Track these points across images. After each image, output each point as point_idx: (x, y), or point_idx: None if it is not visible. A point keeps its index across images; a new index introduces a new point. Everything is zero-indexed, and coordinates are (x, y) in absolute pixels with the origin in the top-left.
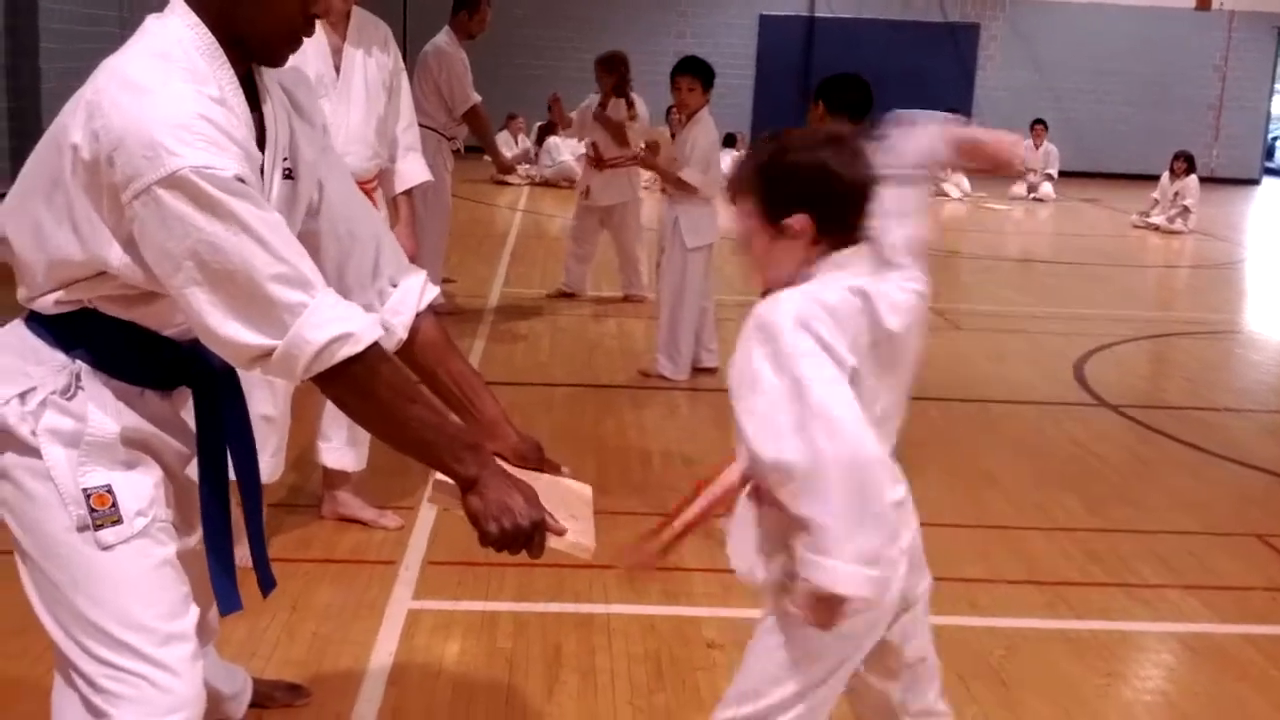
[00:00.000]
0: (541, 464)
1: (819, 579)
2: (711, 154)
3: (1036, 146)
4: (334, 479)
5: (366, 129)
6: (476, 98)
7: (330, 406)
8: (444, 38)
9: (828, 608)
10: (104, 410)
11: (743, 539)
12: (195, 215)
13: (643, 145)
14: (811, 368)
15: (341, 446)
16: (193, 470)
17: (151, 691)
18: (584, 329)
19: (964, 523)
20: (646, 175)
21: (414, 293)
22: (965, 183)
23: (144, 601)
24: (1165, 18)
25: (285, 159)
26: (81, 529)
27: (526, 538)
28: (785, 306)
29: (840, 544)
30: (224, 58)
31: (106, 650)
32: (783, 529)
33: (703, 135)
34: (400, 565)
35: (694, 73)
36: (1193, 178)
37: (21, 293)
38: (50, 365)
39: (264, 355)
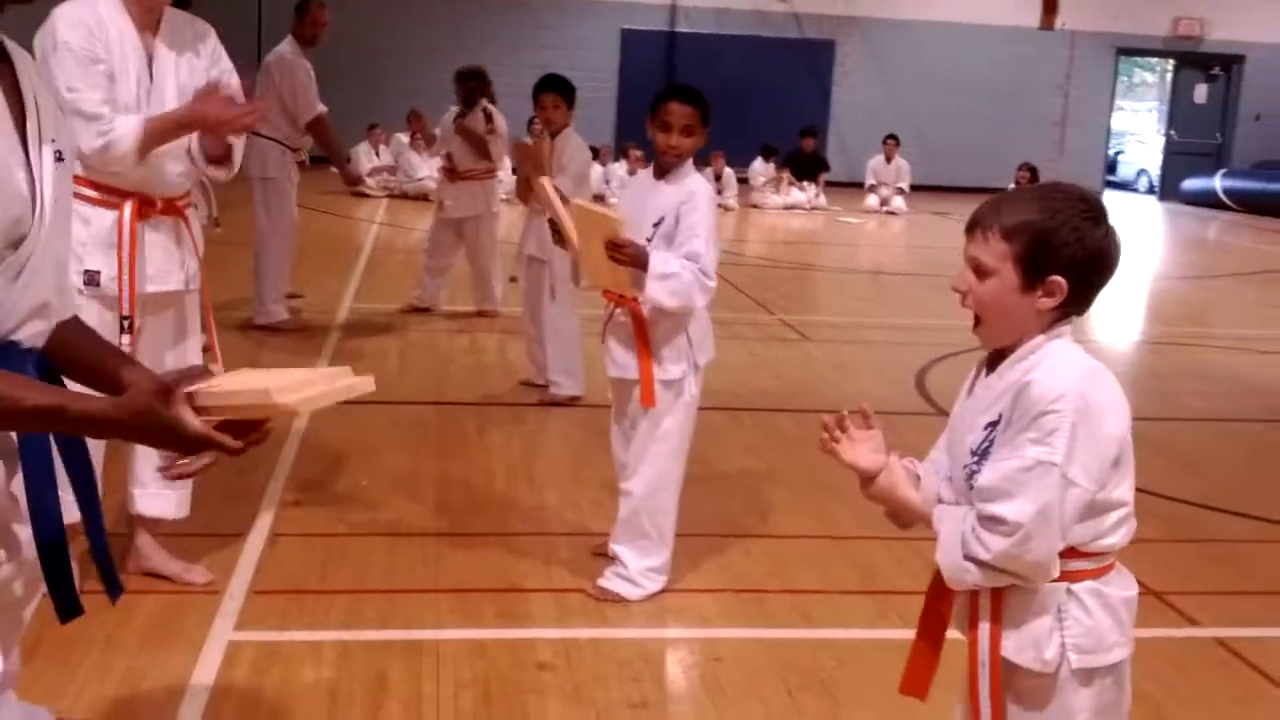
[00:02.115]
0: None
1: None
2: (585, 170)
3: (888, 160)
4: (144, 526)
5: (180, 141)
6: (321, 108)
7: (140, 448)
8: (286, 46)
9: None
10: None
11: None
12: None
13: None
14: None
15: (159, 491)
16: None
17: None
18: (435, 344)
19: (805, 534)
20: (505, 189)
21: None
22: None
23: None
24: (1011, 37)
25: (54, 139)
26: None
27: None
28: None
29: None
30: None
31: None
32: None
33: (577, 151)
34: (224, 595)
35: (558, 90)
36: None
37: None
38: None
39: None
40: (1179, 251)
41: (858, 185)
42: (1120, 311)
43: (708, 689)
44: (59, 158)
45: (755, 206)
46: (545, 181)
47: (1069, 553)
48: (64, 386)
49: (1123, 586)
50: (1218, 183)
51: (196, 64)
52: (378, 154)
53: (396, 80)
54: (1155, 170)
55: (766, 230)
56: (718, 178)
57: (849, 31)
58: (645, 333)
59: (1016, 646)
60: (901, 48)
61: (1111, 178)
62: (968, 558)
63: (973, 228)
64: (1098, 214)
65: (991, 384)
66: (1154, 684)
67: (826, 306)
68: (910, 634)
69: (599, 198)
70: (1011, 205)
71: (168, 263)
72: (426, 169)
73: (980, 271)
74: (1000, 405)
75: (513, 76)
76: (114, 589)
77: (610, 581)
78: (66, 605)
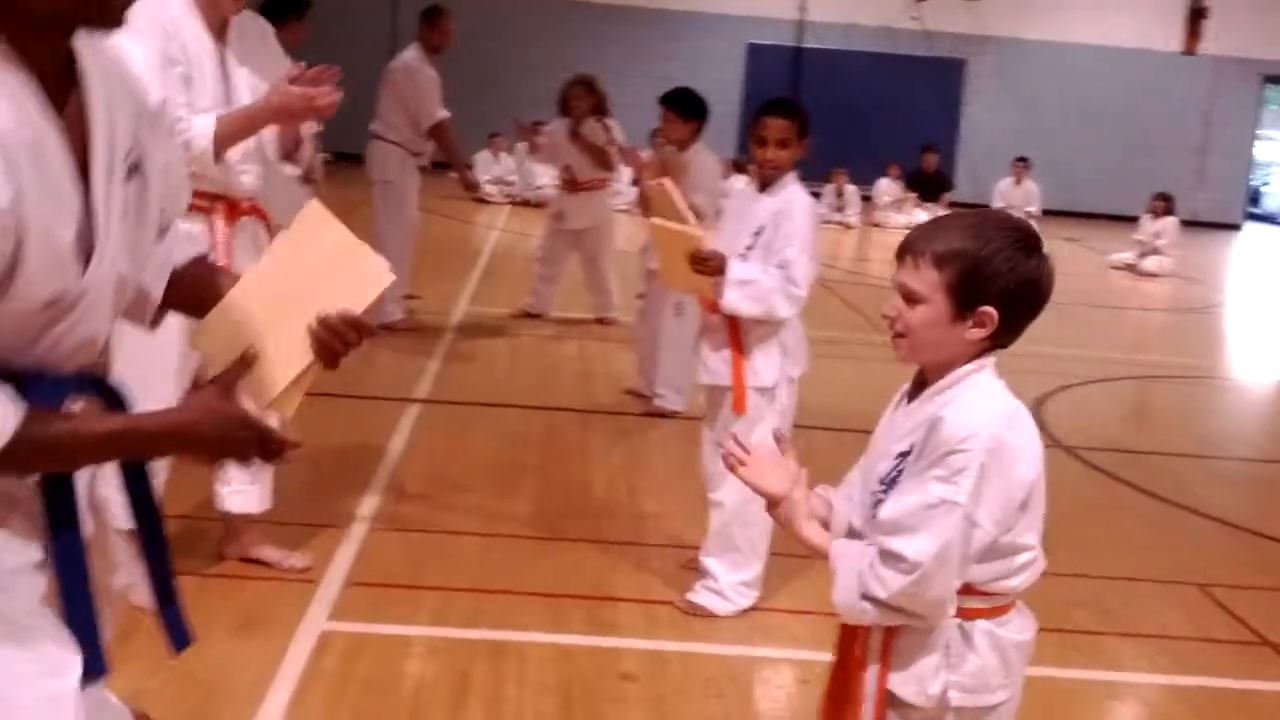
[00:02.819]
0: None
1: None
2: (715, 185)
3: (1017, 183)
4: (236, 520)
5: (259, 144)
6: (443, 114)
7: None
8: (411, 53)
9: None
10: None
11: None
12: None
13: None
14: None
15: (244, 488)
16: None
17: None
18: (544, 350)
19: None
20: (623, 198)
21: (167, 251)
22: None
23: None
24: (1152, 61)
25: (130, 151)
26: None
27: (262, 450)
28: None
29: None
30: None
31: None
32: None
33: (708, 166)
34: (320, 584)
35: (673, 105)
36: (1172, 219)
37: None
38: None
39: None
40: None
41: (984, 207)
42: (1251, 347)
43: (793, 712)
44: (135, 169)
45: (877, 225)
46: (666, 182)
47: (965, 590)
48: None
49: (1019, 629)
50: None
51: (263, 63)
52: (498, 161)
53: (518, 89)
54: None
55: (887, 249)
56: (840, 194)
57: (981, 50)
58: (739, 339)
59: (902, 680)
60: (1036, 68)
61: (1255, 209)
62: (865, 596)
63: (903, 253)
64: (1031, 244)
65: (912, 411)
66: None
67: None
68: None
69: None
70: (945, 232)
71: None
72: (547, 177)
73: (910, 298)
74: (914, 436)
75: (634, 88)
76: (180, 639)
77: (700, 595)
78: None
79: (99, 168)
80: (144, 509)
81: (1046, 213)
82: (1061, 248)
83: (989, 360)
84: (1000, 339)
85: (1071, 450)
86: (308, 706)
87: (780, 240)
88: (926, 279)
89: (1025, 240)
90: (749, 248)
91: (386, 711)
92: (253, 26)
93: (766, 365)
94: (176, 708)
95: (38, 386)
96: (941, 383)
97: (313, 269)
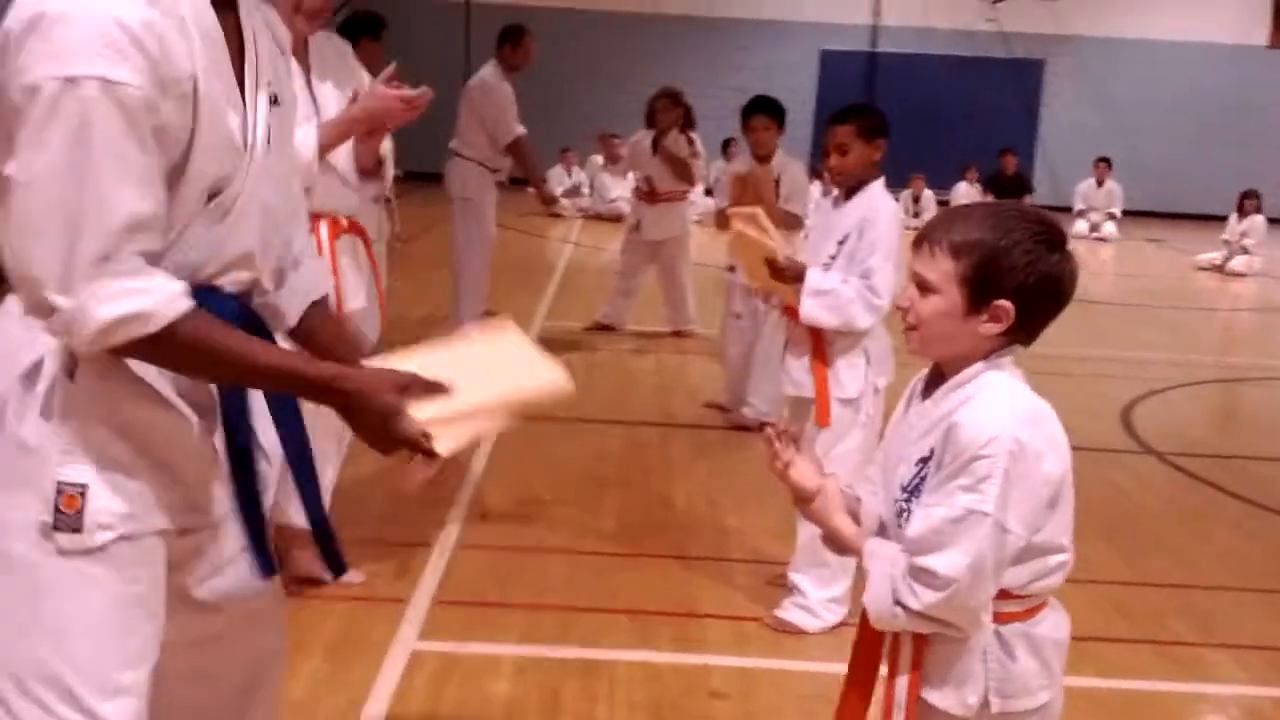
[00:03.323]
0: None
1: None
2: (805, 193)
3: (1100, 184)
4: (288, 537)
5: (349, 163)
6: (520, 130)
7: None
8: (489, 70)
9: None
10: (101, 379)
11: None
12: (54, 131)
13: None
14: None
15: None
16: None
17: None
18: (621, 364)
19: None
20: (696, 210)
21: (314, 277)
22: None
23: (95, 638)
24: (1236, 55)
25: (270, 83)
26: (42, 533)
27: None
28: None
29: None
30: None
31: (38, 686)
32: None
33: (797, 174)
34: (408, 604)
35: (769, 112)
36: (1259, 218)
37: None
38: None
39: (45, 311)
40: None
41: (1065, 209)
42: None
43: None
44: (274, 101)
45: None
46: (759, 212)
47: (1001, 595)
48: (273, 342)
49: (1053, 628)
50: None
51: (343, 81)
52: (570, 176)
53: (588, 102)
54: None
55: None
56: (916, 199)
57: (1060, 50)
58: (822, 350)
59: (941, 694)
60: (1116, 66)
61: None
62: (897, 603)
63: (920, 242)
64: (1054, 238)
65: (926, 411)
66: None
67: None
68: (1105, 684)
69: None
70: (963, 222)
71: (357, 281)
72: (619, 190)
73: (924, 288)
74: (931, 439)
75: (708, 98)
76: (337, 567)
77: (788, 612)
78: (333, 562)
79: (250, 80)
80: (295, 441)
81: (1129, 213)
82: (1145, 249)
83: (1006, 358)
84: (1017, 336)
85: (1163, 456)
86: None
87: (864, 249)
88: (941, 268)
89: (1047, 234)
90: (832, 257)
91: None
92: (330, 46)
93: (851, 376)
94: None
95: (209, 297)
96: (957, 379)
97: (496, 359)
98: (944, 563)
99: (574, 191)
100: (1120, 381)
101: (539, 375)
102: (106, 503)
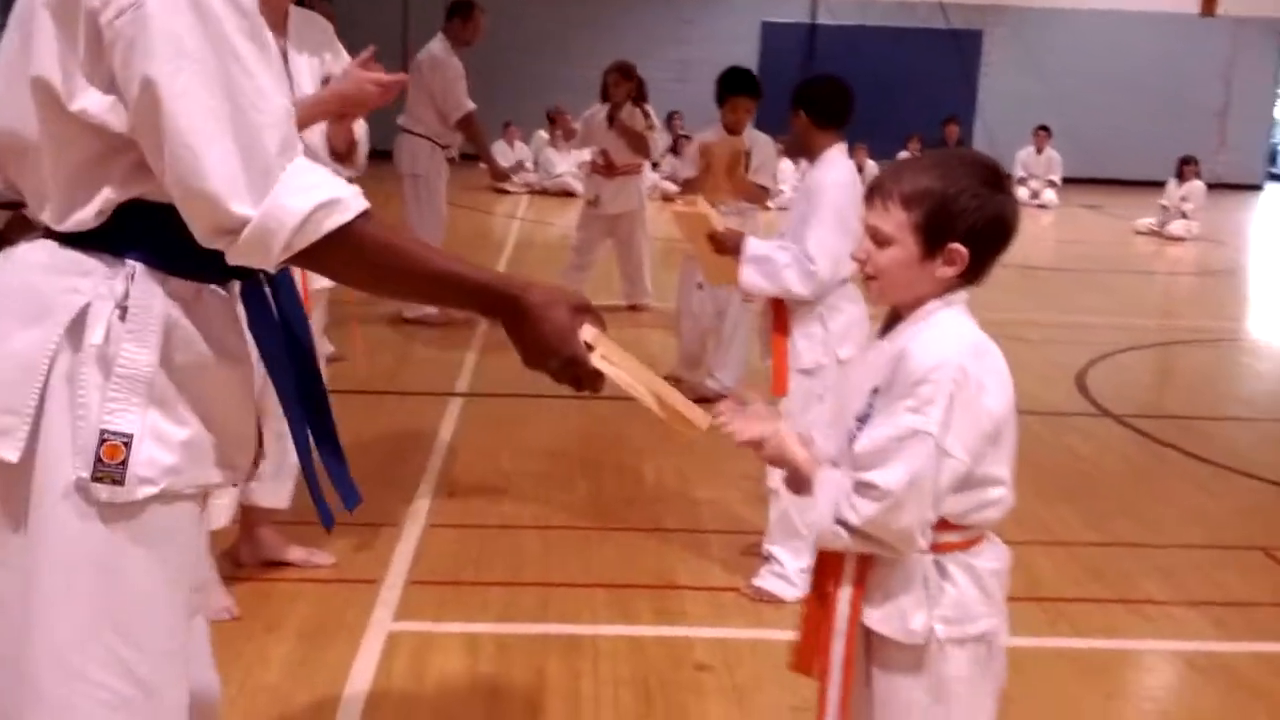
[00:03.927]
0: None
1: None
2: (775, 163)
3: (1039, 152)
4: (254, 518)
5: (321, 144)
6: (470, 105)
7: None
8: (438, 45)
9: None
10: (149, 327)
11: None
12: (189, 37)
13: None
14: None
15: (270, 481)
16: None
17: (124, 719)
18: None
19: None
20: (649, 182)
21: None
22: None
23: (144, 607)
24: (1170, 24)
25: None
26: (82, 494)
27: (572, 371)
28: None
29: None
30: None
31: (76, 656)
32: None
33: (767, 147)
34: (381, 584)
35: (753, 94)
36: (1198, 183)
37: (48, 213)
38: (100, 274)
39: (234, 230)
40: None
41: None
42: None
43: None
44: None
45: None
46: (701, 202)
47: (940, 525)
48: None
49: (992, 559)
50: None
51: (321, 60)
52: (514, 150)
53: (531, 77)
54: None
55: None
56: (860, 170)
57: (997, 20)
58: (783, 320)
59: (882, 616)
60: (1052, 36)
61: (1274, 169)
62: (839, 521)
63: (871, 195)
64: (997, 180)
65: (883, 348)
66: None
67: (974, 300)
68: (1083, 644)
69: None
70: (911, 173)
71: None
72: (565, 165)
73: (880, 240)
74: (885, 370)
75: (650, 71)
76: (351, 499)
77: (765, 581)
78: (347, 494)
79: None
80: (307, 368)
81: (1068, 180)
82: (1084, 215)
83: (958, 296)
84: (969, 275)
85: (1120, 419)
86: (386, 709)
87: (811, 216)
88: (895, 219)
89: (991, 177)
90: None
91: (466, 711)
92: (313, 24)
93: (807, 346)
94: (252, 717)
95: None
96: (912, 317)
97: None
98: (884, 476)
99: (518, 167)
100: (1070, 346)
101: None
102: (151, 454)
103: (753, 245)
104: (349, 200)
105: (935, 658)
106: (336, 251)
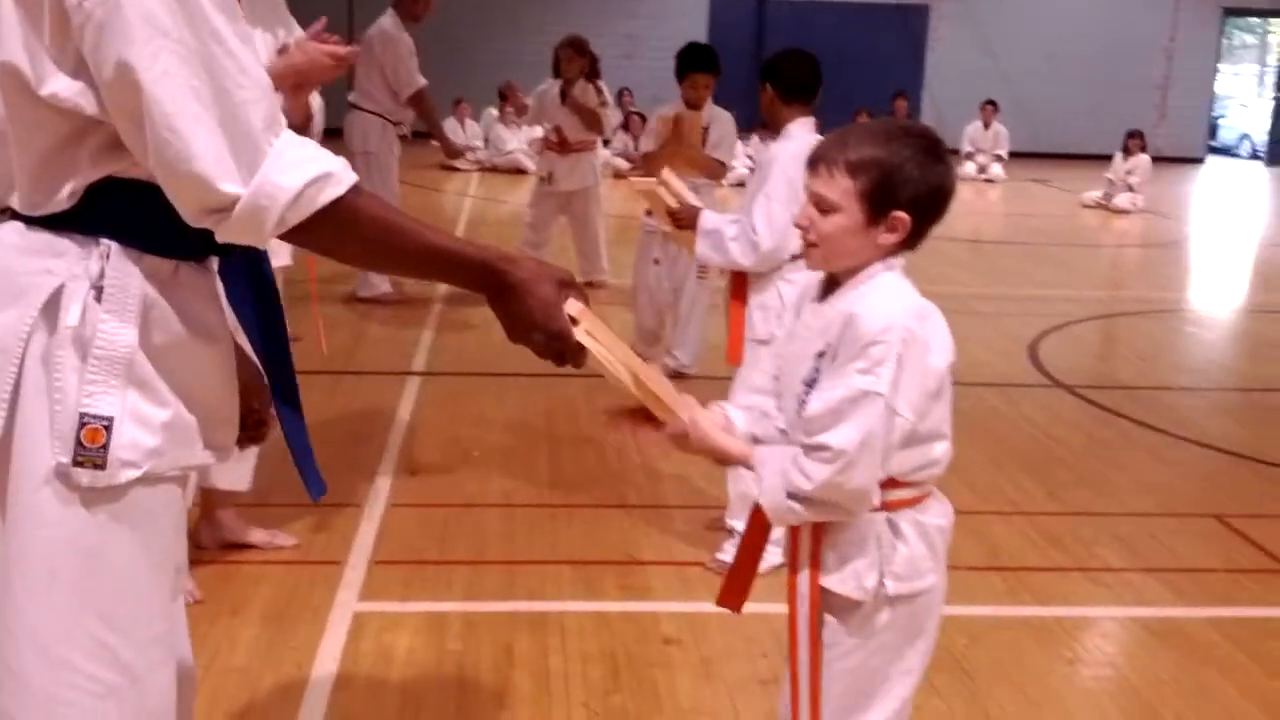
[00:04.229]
0: None
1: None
2: (733, 139)
3: (986, 127)
4: (215, 500)
5: None
6: (422, 81)
7: None
8: (388, 20)
9: None
10: (127, 307)
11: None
12: (165, 16)
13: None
14: None
15: (231, 463)
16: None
17: (112, 707)
18: None
19: None
20: (601, 159)
21: None
22: None
23: (130, 594)
24: None
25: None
26: (62, 479)
27: (555, 346)
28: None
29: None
30: None
31: (60, 646)
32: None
33: (727, 124)
34: (345, 565)
35: (713, 71)
36: (1144, 157)
37: (17, 198)
38: (73, 254)
39: (225, 209)
40: None
41: (954, 152)
42: (1225, 279)
43: None
44: None
45: None
46: (668, 175)
47: (889, 483)
48: None
49: (938, 515)
50: None
51: (275, 34)
52: (464, 128)
53: (481, 53)
54: (1258, 135)
55: None
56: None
57: None
58: (742, 290)
59: (839, 578)
60: (999, 11)
61: (1212, 142)
62: (791, 495)
63: (816, 164)
64: (938, 150)
65: (822, 311)
66: None
67: (923, 274)
68: (1044, 612)
69: None
70: (856, 141)
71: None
72: (516, 142)
73: (824, 207)
74: (828, 335)
75: (600, 47)
76: (317, 487)
77: (729, 555)
78: (313, 481)
79: None
80: (277, 351)
81: (1015, 155)
82: (1031, 189)
83: (897, 261)
84: (908, 241)
85: (1073, 390)
86: (354, 689)
87: (761, 187)
88: (841, 187)
89: (932, 146)
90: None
91: (435, 689)
92: None
93: (762, 317)
94: (220, 699)
95: None
96: (853, 281)
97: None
98: (836, 437)
99: (468, 149)
100: (1021, 319)
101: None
102: (132, 436)
103: (706, 219)
104: (340, 174)
105: (879, 609)
106: (329, 226)
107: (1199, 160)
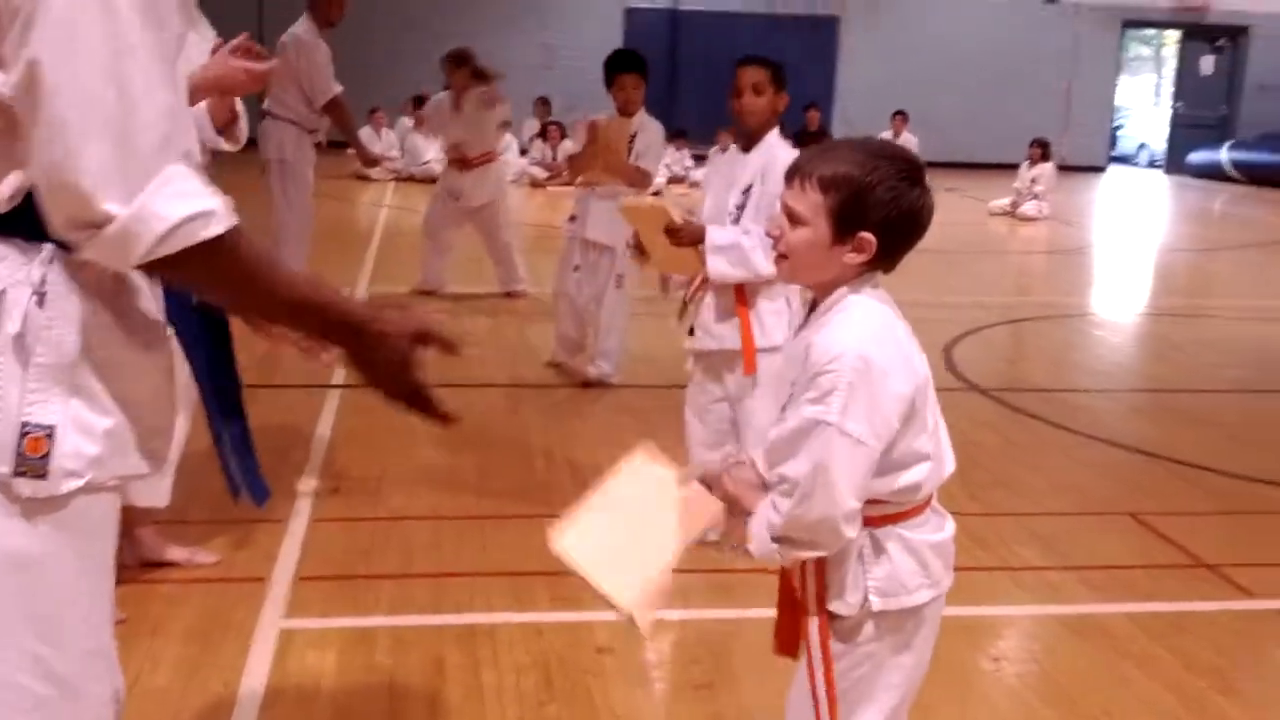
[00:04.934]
0: None
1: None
2: (660, 149)
3: (896, 136)
4: (133, 518)
5: (204, 119)
6: (338, 88)
7: None
8: (303, 26)
9: None
10: (69, 313)
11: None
12: (85, 23)
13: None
14: None
15: (150, 480)
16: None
17: None
18: (456, 327)
19: None
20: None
21: None
22: None
23: (70, 608)
24: (1016, 10)
25: None
26: (3, 491)
27: (413, 399)
28: None
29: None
30: None
31: (10, 669)
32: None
33: (655, 134)
34: (269, 582)
35: (639, 70)
36: (1049, 165)
37: None
38: (13, 259)
39: (96, 225)
40: (1187, 224)
41: (871, 139)
42: (1129, 284)
43: (774, 667)
44: None
45: None
46: (667, 204)
47: (871, 501)
48: None
49: (932, 530)
50: (1224, 155)
51: (196, 39)
52: (380, 137)
53: (396, 62)
54: (1155, 144)
55: None
56: (724, 152)
57: (853, 6)
58: (745, 298)
59: (827, 598)
60: (906, 23)
61: (1113, 152)
62: (773, 536)
63: (792, 176)
64: (915, 176)
65: (801, 338)
66: (1216, 655)
67: None
68: (968, 611)
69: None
70: (834, 158)
71: None
72: (432, 152)
73: (794, 219)
74: (797, 364)
75: (514, 55)
76: (259, 492)
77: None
78: (256, 487)
79: None
80: (223, 360)
81: (925, 164)
82: (941, 197)
83: (866, 282)
84: (878, 264)
85: (988, 393)
86: (282, 708)
87: (768, 196)
88: (811, 201)
89: (910, 172)
90: (739, 207)
91: (364, 706)
92: None
93: (775, 324)
94: None
95: None
96: (823, 305)
97: (651, 502)
98: (792, 468)
99: (383, 157)
100: (936, 325)
101: (695, 510)
102: (75, 445)
103: (715, 235)
104: (220, 214)
105: (865, 625)
106: (199, 264)
107: (1101, 169)
